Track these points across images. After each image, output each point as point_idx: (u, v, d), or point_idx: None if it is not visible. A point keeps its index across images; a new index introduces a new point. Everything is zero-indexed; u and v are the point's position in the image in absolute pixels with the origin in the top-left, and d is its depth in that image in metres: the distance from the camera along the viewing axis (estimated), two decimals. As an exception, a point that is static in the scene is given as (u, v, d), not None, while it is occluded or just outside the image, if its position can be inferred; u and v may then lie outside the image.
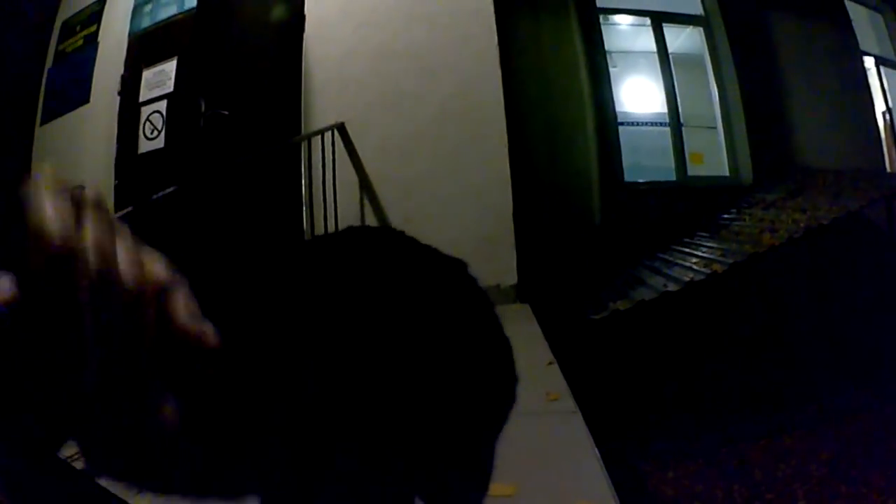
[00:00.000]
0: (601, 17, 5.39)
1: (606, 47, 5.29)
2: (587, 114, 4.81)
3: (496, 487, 1.30)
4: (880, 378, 3.94)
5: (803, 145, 5.58)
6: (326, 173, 3.85)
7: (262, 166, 3.84)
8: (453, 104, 4.05)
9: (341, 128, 4.02)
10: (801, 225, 4.44)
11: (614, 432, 2.82)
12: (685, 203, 5.22)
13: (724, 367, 4.31)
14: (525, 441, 1.68)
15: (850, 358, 4.26)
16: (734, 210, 5.18)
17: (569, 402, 1.95)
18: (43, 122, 5.30)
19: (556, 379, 2.24)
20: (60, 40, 5.36)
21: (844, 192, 4.79)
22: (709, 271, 4.34)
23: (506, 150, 3.95)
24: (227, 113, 4.18)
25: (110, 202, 4.57)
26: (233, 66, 4.35)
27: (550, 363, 2.48)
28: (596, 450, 1.55)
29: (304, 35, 4.32)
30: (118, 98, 4.77)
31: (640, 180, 5.28)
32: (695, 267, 4.46)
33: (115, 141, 4.70)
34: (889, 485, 2.92)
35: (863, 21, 6.25)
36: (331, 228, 3.84)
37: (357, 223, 4.02)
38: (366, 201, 4.06)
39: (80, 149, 4.94)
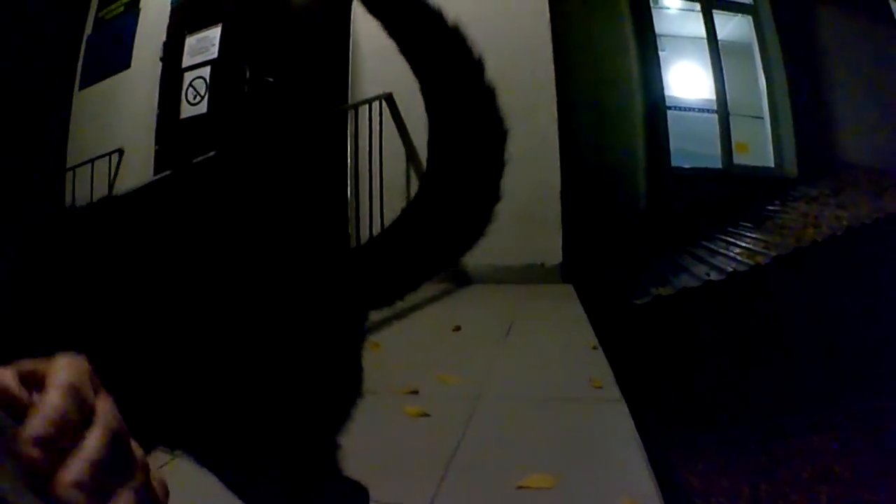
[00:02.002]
0: (651, 1, 5.29)
1: (656, 31, 5.19)
2: (636, 96, 4.73)
3: (536, 479, 1.27)
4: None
5: (847, 141, 5.47)
6: (373, 144, 3.79)
7: (307, 135, 3.79)
8: (502, 78, 3.87)
9: (389, 98, 3.95)
10: (844, 223, 4.37)
11: (649, 418, 2.78)
12: (730, 192, 5.13)
13: (760, 361, 4.23)
14: (567, 429, 1.66)
15: (887, 362, 4.17)
16: (778, 202, 5.08)
17: (613, 391, 1.87)
18: (82, 87, 5.29)
19: (600, 364, 2.17)
20: (100, 8, 5.34)
21: (887, 192, 4.69)
22: (752, 263, 4.27)
23: (555, 128, 3.87)
24: (272, 80, 4.13)
25: (150, 167, 4.55)
26: (279, 34, 4.29)
27: (594, 347, 2.42)
28: (641, 442, 1.48)
29: (353, 3, 4.25)
30: (160, 64, 4.73)
31: (685, 166, 5.19)
32: (738, 257, 4.39)
33: (156, 106, 4.66)
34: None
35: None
36: (375, 199, 3.79)
37: (403, 195, 3.98)
38: (412, 173, 3.99)
39: (119, 113, 4.93)
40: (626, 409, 1.70)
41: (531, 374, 2.13)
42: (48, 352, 0.31)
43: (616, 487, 1.29)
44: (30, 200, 4.41)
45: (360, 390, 0.85)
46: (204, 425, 0.74)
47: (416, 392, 1.87)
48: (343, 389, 0.84)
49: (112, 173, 4.77)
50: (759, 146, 5.52)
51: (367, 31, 4.20)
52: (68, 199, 4.85)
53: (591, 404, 1.83)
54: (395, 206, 3.94)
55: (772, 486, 3.12)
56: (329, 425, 0.83)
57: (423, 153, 3.26)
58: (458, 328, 2.78)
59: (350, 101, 4.08)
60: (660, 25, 5.35)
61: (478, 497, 1.28)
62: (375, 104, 3.88)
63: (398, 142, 4.00)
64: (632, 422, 1.61)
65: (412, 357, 2.35)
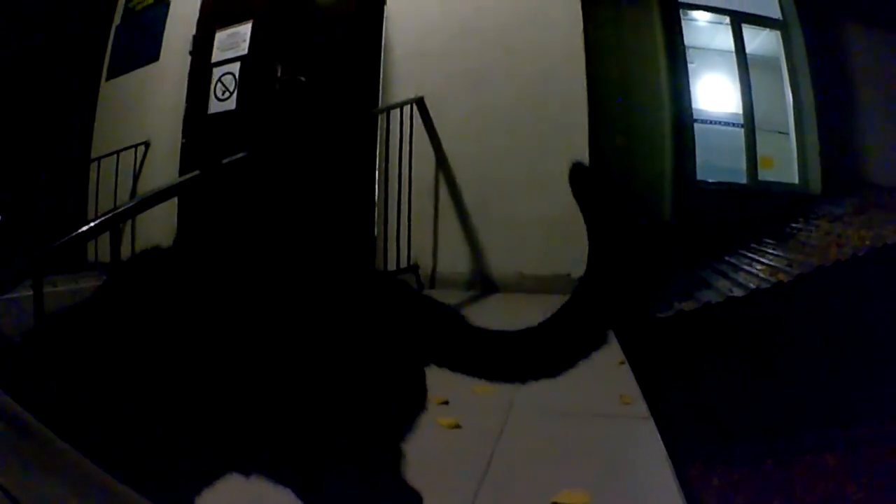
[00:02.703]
0: (681, 12, 5.27)
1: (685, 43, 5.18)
2: (664, 108, 4.71)
3: (570, 495, 1.27)
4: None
5: (873, 161, 5.44)
6: (403, 147, 3.79)
7: (337, 136, 3.79)
8: (535, 87, 3.97)
9: (420, 102, 3.95)
10: (867, 243, 4.35)
11: (669, 431, 2.78)
12: (754, 207, 5.11)
13: (779, 379, 4.21)
14: (598, 445, 1.66)
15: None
16: (801, 219, 5.06)
17: (641, 407, 1.88)
18: (109, 78, 5.30)
19: (627, 380, 2.18)
20: None
21: (911, 213, 4.68)
22: (774, 280, 4.25)
23: (586, 138, 3.86)
24: (304, 79, 4.13)
25: (176, 160, 4.56)
26: (311, 33, 4.29)
27: (621, 363, 2.42)
28: (671, 462, 1.48)
29: (386, 7, 4.26)
30: (189, 58, 4.74)
31: (710, 180, 5.18)
32: (760, 274, 4.37)
33: (184, 100, 4.67)
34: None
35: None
36: (404, 203, 3.79)
37: (431, 199, 3.98)
38: (441, 178, 3.99)
39: (147, 105, 4.94)
40: (654, 427, 1.71)
41: (560, 387, 2.11)
42: None
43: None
44: (37, 198, 4.41)
45: (424, 402, 0.89)
46: (271, 426, 0.78)
47: (446, 402, 1.87)
48: (408, 400, 0.88)
49: (137, 165, 4.78)
50: (783, 162, 5.50)
51: (399, 32, 4.21)
52: (92, 189, 4.87)
53: (621, 420, 1.83)
54: (423, 208, 3.97)
55: (786, 503, 3.12)
56: (393, 433, 0.87)
57: (452, 157, 3.29)
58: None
59: (381, 103, 4.09)
60: (689, 37, 5.32)
61: None
62: (406, 107, 3.88)
63: (428, 146, 4.00)
64: (661, 440, 1.61)
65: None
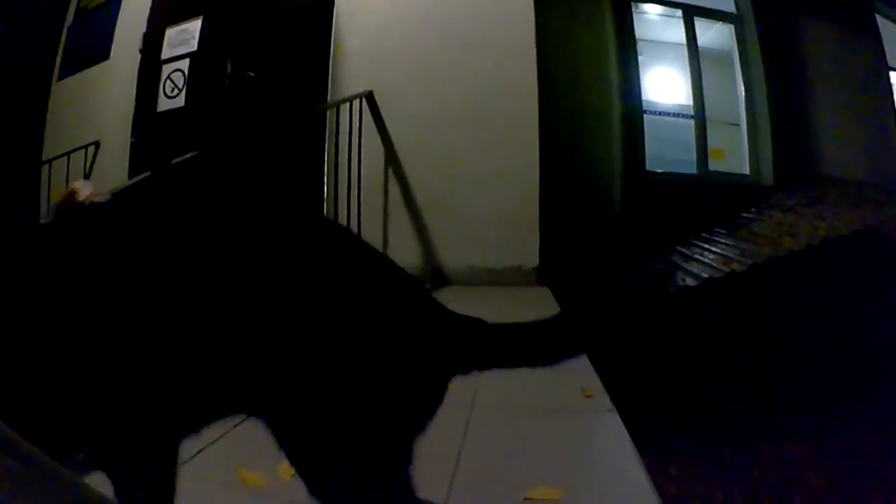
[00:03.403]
0: (633, 5, 5.33)
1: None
2: (614, 99, 4.76)
3: (542, 491, 1.28)
4: (886, 395, 3.92)
5: (824, 153, 5.53)
6: (353, 143, 3.78)
7: (286, 132, 3.76)
8: (487, 81, 3.97)
9: (370, 97, 3.94)
10: (821, 233, 4.41)
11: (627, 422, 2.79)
12: (705, 198, 5.18)
13: (734, 367, 4.26)
14: (565, 439, 1.65)
15: (859, 371, 4.23)
16: (754, 210, 5.14)
17: (604, 400, 1.86)
18: (60, 78, 5.21)
19: (587, 373, 2.13)
20: (82, -3, 5.28)
21: (864, 205, 4.76)
22: (727, 270, 4.30)
23: (536, 132, 3.88)
24: (253, 75, 4.10)
25: (125, 160, 4.50)
26: (260, 28, 4.26)
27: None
28: (638, 454, 1.49)
29: (336, 2, 4.24)
30: (139, 56, 4.68)
31: (660, 170, 5.23)
32: (713, 264, 4.42)
33: (133, 98, 4.61)
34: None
35: (893, 38, 6.19)
36: (353, 200, 3.78)
37: (381, 194, 3.97)
38: (391, 174, 3.99)
39: (97, 105, 4.87)
40: (619, 420, 1.69)
41: (519, 382, 2.10)
42: None
43: (621, 500, 1.31)
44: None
45: (437, 407, 0.91)
46: (294, 399, 0.78)
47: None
48: (424, 404, 0.89)
49: (88, 166, 4.71)
50: (734, 153, 5.57)
51: (349, 27, 4.20)
52: (44, 191, 4.79)
53: (585, 414, 1.82)
54: (372, 204, 3.96)
55: (746, 491, 3.14)
56: (405, 434, 0.87)
57: (402, 152, 3.27)
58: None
59: (329, 98, 4.07)
60: (640, 30, 5.38)
61: None
62: (356, 102, 3.87)
63: (378, 142, 3.99)
64: (627, 433, 1.60)
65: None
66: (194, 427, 0.82)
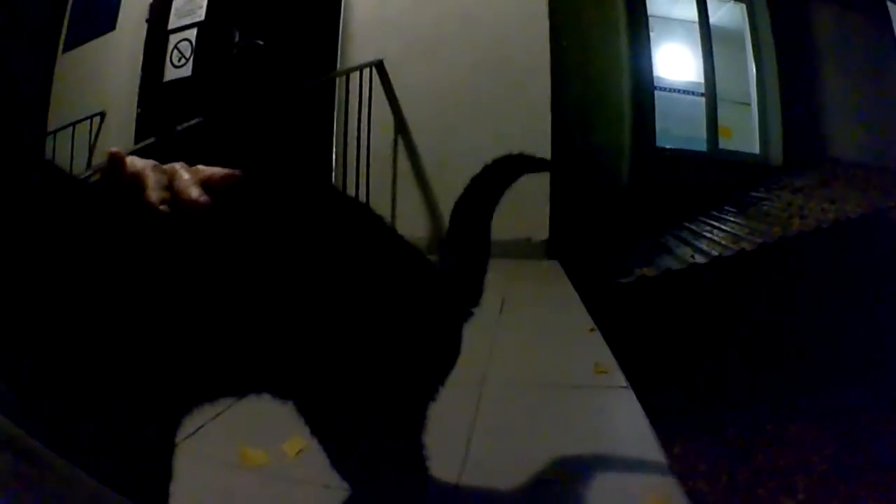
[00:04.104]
0: (644, -19, 5.27)
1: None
2: (624, 74, 4.72)
3: (558, 471, 1.25)
4: (888, 379, 3.91)
5: (834, 135, 5.51)
6: (362, 112, 3.75)
7: (296, 100, 3.73)
8: (496, 52, 3.94)
9: (380, 66, 3.91)
10: (830, 216, 4.39)
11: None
12: (714, 175, 5.15)
13: (741, 347, 4.25)
14: (580, 418, 1.60)
15: (866, 354, 4.22)
16: (763, 189, 5.11)
17: (618, 376, 1.81)
18: (66, 50, 5.17)
19: (601, 348, 2.09)
20: (87, -31, 5.22)
21: (872, 189, 4.73)
22: (737, 248, 4.28)
23: (548, 104, 3.85)
24: (262, 43, 4.06)
25: (131, 130, 4.48)
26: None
27: (592, 330, 2.36)
28: (654, 433, 1.45)
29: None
30: (146, 26, 4.64)
31: (669, 146, 5.20)
32: (723, 242, 4.40)
33: (139, 69, 4.57)
34: (888, 490, 2.87)
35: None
36: (362, 168, 3.75)
37: (389, 164, 3.95)
38: (400, 143, 3.96)
39: (102, 76, 4.84)
40: (633, 397, 1.65)
41: (533, 358, 2.07)
42: None
43: (639, 481, 1.27)
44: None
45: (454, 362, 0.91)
46: (310, 372, 0.76)
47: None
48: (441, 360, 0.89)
49: (93, 137, 4.68)
50: (744, 132, 5.54)
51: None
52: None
53: (598, 390, 1.78)
54: (381, 174, 3.93)
55: (749, 471, 3.14)
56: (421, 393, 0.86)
57: (411, 122, 3.25)
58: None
59: (339, 67, 4.03)
60: (650, 6, 5.33)
61: (501, 489, 1.24)
62: (366, 71, 3.83)
63: (387, 111, 3.96)
64: (642, 411, 1.56)
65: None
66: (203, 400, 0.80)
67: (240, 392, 0.81)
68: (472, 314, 0.97)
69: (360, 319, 0.76)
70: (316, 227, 0.76)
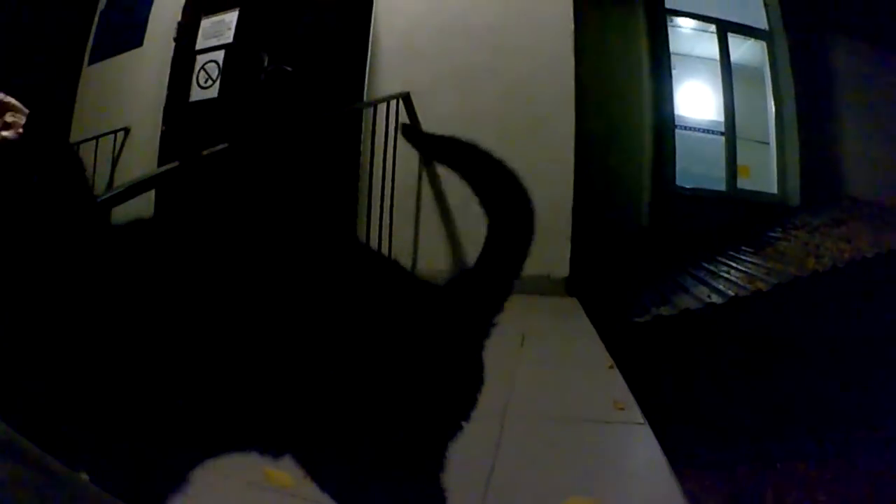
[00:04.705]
0: (667, 19, 5.30)
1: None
2: (646, 113, 4.74)
3: (578, 502, 1.26)
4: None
5: (852, 174, 5.50)
6: (388, 143, 3.76)
7: (322, 129, 3.75)
8: (522, 87, 3.96)
9: (406, 98, 3.92)
10: (846, 255, 4.40)
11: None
12: (732, 214, 5.16)
13: (754, 386, 4.24)
14: (598, 452, 1.65)
15: (883, 393, 4.21)
16: (779, 229, 5.11)
17: (635, 413, 1.86)
18: (91, 63, 5.21)
19: (619, 385, 2.15)
20: (115, -16, 5.27)
21: (890, 227, 4.73)
22: (752, 288, 4.28)
23: (572, 141, 3.87)
24: (290, 69, 4.09)
25: (155, 147, 4.50)
26: (298, 23, 4.25)
27: (611, 367, 2.40)
28: (672, 471, 1.48)
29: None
30: (173, 45, 4.67)
31: (688, 185, 5.21)
32: (739, 282, 4.40)
33: (165, 87, 4.60)
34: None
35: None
36: (387, 200, 3.76)
37: (414, 196, 3.96)
38: (424, 175, 3.98)
39: (128, 92, 4.86)
40: (650, 433, 1.69)
41: (553, 392, 2.12)
42: None
43: None
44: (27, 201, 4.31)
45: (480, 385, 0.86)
46: (314, 425, 0.74)
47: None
48: (459, 394, 0.85)
49: (116, 151, 4.71)
50: (762, 171, 5.55)
51: (387, 26, 4.18)
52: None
53: (616, 426, 1.82)
54: (405, 207, 3.95)
55: None
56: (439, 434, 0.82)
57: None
58: (470, 338, 2.75)
59: (365, 97, 4.05)
60: (673, 44, 5.36)
61: None
62: (392, 102, 3.85)
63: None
64: (659, 446, 1.60)
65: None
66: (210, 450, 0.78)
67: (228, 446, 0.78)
68: (492, 327, 0.92)
69: (360, 356, 0.74)
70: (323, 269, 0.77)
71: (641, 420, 1.80)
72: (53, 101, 4.86)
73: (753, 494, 3.31)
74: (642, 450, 1.64)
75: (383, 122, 3.75)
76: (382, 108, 3.83)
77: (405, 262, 3.94)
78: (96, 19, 5.30)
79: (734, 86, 5.53)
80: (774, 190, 5.48)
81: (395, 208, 3.75)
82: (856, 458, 3.59)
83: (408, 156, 3.91)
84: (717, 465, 3.56)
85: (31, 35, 4.84)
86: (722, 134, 5.40)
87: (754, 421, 3.95)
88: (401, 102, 3.89)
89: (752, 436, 3.82)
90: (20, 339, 0.60)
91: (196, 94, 4.47)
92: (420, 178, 3.98)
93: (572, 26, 4.00)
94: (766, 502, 3.26)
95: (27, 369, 0.59)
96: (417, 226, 3.98)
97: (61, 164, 0.62)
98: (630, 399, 1.98)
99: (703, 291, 4.33)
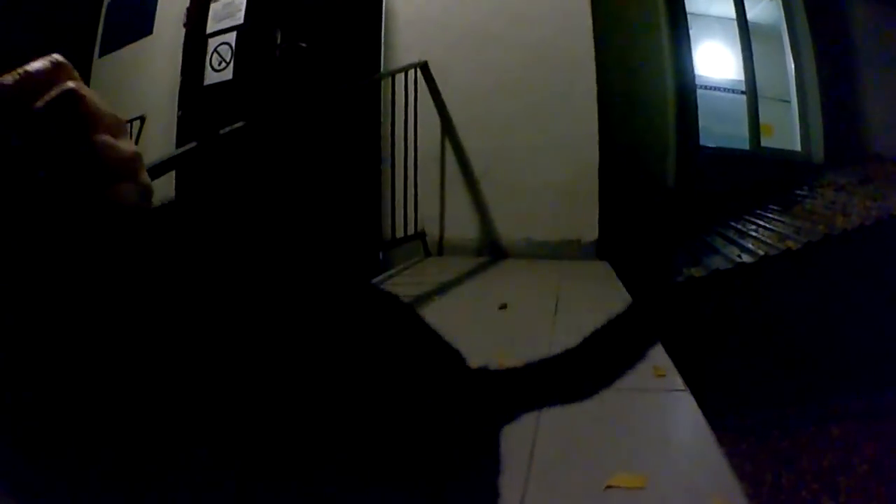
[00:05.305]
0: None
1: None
2: (667, 74, 4.65)
3: (625, 478, 1.20)
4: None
5: (875, 132, 5.42)
6: (408, 113, 3.72)
7: (341, 103, 3.70)
8: (541, 52, 3.90)
9: (424, 67, 3.88)
10: (873, 213, 4.33)
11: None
12: (757, 173, 5.09)
13: (788, 348, 4.19)
14: (640, 421, 1.58)
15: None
16: (806, 187, 5.04)
17: (676, 379, 1.79)
18: (102, 55, 5.18)
19: (656, 351, 2.08)
20: (121, -27, 5.23)
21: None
22: (783, 247, 4.22)
23: (594, 104, 3.81)
24: (305, 45, 4.04)
25: (173, 133, 4.47)
26: (310, -1, 4.20)
27: None
28: (714, 436, 1.42)
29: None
30: (183, 30, 4.63)
31: (711, 145, 5.14)
32: (768, 241, 4.34)
33: (178, 73, 4.57)
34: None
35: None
36: (410, 170, 3.72)
37: (437, 165, 3.91)
38: (447, 144, 3.93)
39: (141, 80, 4.84)
40: (692, 400, 1.64)
41: None
42: None
43: (702, 485, 1.24)
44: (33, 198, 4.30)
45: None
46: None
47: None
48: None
49: (134, 140, 4.68)
50: (785, 130, 5.48)
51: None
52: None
53: (657, 393, 1.75)
54: (429, 175, 3.90)
55: (793, 473, 3.09)
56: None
57: (457, 123, 3.20)
58: (504, 306, 2.71)
59: (383, 67, 4.01)
60: (689, 3, 5.27)
61: (568, 497, 1.22)
62: (411, 73, 3.80)
63: (433, 112, 3.93)
64: (701, 414, 1.54)
65: (463, 336, 2.26)
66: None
67: None
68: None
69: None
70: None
71: (682, 387, 1.74)
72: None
73: (787, 459, 3.26)
74: (684, 418, 1.59)
75: (402, 93, 3.72)
76: (400, 78, 3.79)
77: (432, 231, 3.91)
78: (104, 11, 5.26)
79: (753, 44, 5.44)
80: (798, 148, 5.40)
81: (418, 178, 3.71)
82: (889, 417, 3.54)
83: (430, 126, 3.87)
84: (750, 431, 3.51)
85: (39, 31, 4.82)
86: (742, 93, 5.32)
87: (786, 384, 3.90)
88: (419, 72, 3.84)
89: (785, 400, 3.77)
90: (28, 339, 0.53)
91: (210, 78, 4.43)
92: (443, 146, 3.93)
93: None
94: (801, 466, 3.21)
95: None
96: (443, 194, 3.94)
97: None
98: (669, 365, 1.90)
99: (732, 251, 4.27)
